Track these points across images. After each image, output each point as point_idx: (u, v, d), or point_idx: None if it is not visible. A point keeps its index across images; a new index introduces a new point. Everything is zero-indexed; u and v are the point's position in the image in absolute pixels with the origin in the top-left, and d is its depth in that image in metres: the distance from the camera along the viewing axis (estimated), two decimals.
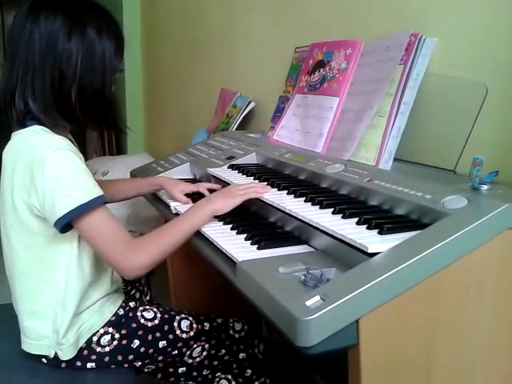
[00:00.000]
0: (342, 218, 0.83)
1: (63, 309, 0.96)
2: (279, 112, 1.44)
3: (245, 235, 0.89)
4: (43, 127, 0.92)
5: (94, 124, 1.01)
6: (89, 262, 0.98)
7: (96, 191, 0.90)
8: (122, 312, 1.03)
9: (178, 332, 1.05)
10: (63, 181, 0.87)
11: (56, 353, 0.96)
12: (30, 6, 0.92)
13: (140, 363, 1.03)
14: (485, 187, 0.78)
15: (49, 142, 0.90)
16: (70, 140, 0.96)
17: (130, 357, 1.01)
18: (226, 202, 0.96)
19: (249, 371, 1.13)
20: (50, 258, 0.95)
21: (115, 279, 1.09)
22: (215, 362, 1.10)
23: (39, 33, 0.90)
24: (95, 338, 0.99)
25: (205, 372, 1.10)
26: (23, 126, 0.93)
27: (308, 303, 0.60)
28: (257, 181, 1.10)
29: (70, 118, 0.95)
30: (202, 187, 1.18)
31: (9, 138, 0.98)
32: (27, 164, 0.89)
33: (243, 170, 1.20)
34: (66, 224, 0.88)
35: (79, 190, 0.88)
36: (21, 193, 0.90)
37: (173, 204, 1.15)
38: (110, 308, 1.02)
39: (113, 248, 0.90)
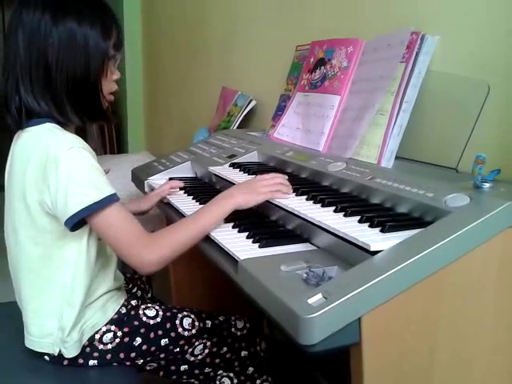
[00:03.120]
0: (344, 216, 0.83)
1: (70, 306, 0.96)
2: (280, 110, 1.44)
3: (246, 233, 0.89)
4: (55, 125, 0.93)
5: (80, 114, 0.96)
6: (94, 259, 0.98)
7: (108, 189, 0.90)
8: (124, 310, 1.03)
9: (179, 330, 1.05)
10: (77, 179, 0.87)
11: (59, 350, 0.97)
12: (17, 5, 0.93)
13: (142, 361, 1.04)
14: (487, 185, 0.78)
15: (62, 140, 0.90)
16: None
17: (132, 354, 1.01)
18: (249, 197, 0.94)
19: (251, 369, 1.13)
20: (58, 256, 0.95)
21: (118, 276, 1.09)
22: (217, 360, 1.10)
23: (22, 28, 0.91)
24: (97, 336, 0.99)
25: (207, 370, 1.10)
26: (29, 123, 0.93)
27: (310, 301, 0.60)
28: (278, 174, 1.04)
29: (66, 111, 0.94)
30: (167, 187, 1.22)
31: (11, 137, 0.98)
32: (40, 162, 0.89)
33: (245, 168, 1.20)
34: (76, 222, 0.88)
35: (92, 188, 0.88)
36: (32, 190, 0.91)
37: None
38: (113, 306, 1.02)
39: (126, 244, 0.90)
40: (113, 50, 0.97)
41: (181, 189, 1.26)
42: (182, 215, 1.08)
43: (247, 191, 0.95)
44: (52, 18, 0.91)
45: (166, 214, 1.23)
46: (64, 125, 0.95)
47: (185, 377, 1.11)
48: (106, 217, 0.89)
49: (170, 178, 1.37)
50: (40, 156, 0.89)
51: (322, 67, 1.25)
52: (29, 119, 0.93)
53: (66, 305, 0.96)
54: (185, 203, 1.15)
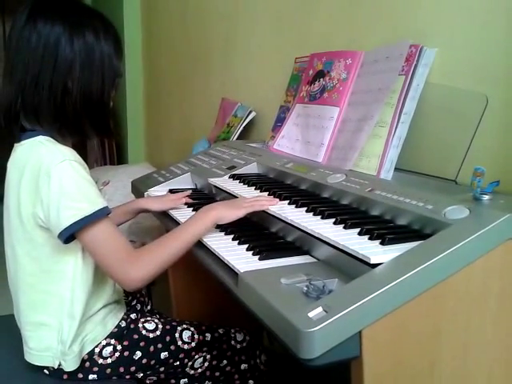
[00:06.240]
0: (344, 228, 0.83)
1: (70, 318, 0.95)
2: (280, 122, 1.44)
3: (246, 246, 0.89)
4: (48, 137, 0.93)
5: (92, 131, 0.99)
6: (93, 271, 0.98)
7: (100, 202, 0.90)
8: (123, 324, 1.03)
9: (179, 343, 1.05)
10: (69, 192, 0.87)
11: (60, 364, 0.96)
12: (28, 15, 0.91)
13: (142, 374, 1.03)
14: (486, 197, 0.78)
15: (55, 152, 0.90)
16: None
17: (132, 368, 1.01)
18: (229, 212, 0.96)
19: (251, 382, 1.12)
20: (55, 269, 0.95)
21: (117, 289, 1.09)
22: (217, 373, 1.10)
23: (37, 41, 0.90)
24: (97, 350, 0.98)
25: (207, 383, 1.09)
26: (27, 136, 0.93)
27: (310, 315, 0.60)
28: (264, 193, 1.08)
29: (71, 126, 0.95)
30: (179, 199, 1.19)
31: (10, 148, 0.98)
32: (33, 175, 0.89)
33: (244, 179, 1.20)
34: (69, 235, 0.88)
35: (84, 201, 0.88)
36: (26, 204, 0.90)
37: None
38: (113, 320, 1.02)
39: (112, 260, 0.90)
40: (121, 65, 0.98)
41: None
42: None
43: (228, 206, 0.97)
44: (72, 33, 0.90)
45: (166, 226, 1.23)
46: (60, 139, 0.94)
47: None
48: (95, 231, 0.88)
49: (170, 190, 1.37)
50: (33, 169, 0.89)
51: (321, 79, 1.26)
52: (22, 132, 0.94)
53: (67, 317, 0.95)
54: (185, 215, 1.15)
